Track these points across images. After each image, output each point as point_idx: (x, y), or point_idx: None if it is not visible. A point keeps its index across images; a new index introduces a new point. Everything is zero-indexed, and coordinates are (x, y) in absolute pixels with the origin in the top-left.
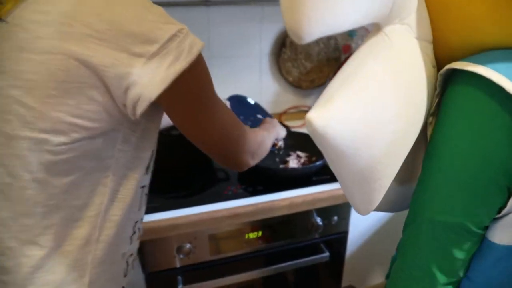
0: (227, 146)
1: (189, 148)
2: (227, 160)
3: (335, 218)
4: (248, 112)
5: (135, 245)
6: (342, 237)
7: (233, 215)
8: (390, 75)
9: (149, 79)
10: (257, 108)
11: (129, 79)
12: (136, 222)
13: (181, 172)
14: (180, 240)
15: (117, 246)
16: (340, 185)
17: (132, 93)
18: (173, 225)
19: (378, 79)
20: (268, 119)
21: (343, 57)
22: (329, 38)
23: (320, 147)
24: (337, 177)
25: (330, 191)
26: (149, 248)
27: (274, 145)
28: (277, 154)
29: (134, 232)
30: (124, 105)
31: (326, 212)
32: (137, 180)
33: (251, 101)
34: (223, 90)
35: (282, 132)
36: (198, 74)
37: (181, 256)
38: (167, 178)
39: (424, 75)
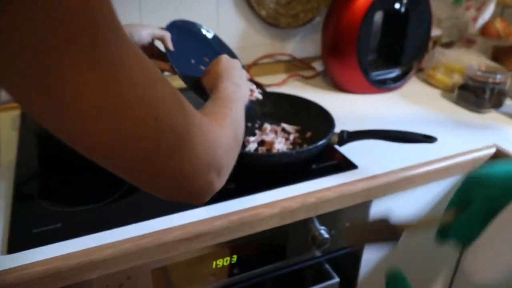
0: (158, 158)
1: None
2: (165, 188)
3: (347, 225)
4: (203, 52)
5: None
6: (355, 251)
7: (192, 236)
8: None
9: None
10: (218, 45)
11: None
12: None
13: (94, 166)
14: (104, 283)
15: None
16: None
17: None
18: (90, 263)
19: None
20: (223, 60)
21: None
22: None
23: None
24: None
25: (340, 187)
26: None
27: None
28: (249, 128)
29: None
30: None
31: (333, 218)
32: None
33: (208, 32)
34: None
35: (246, 90)
36: None
37: None
38: (72, 177)
39: None
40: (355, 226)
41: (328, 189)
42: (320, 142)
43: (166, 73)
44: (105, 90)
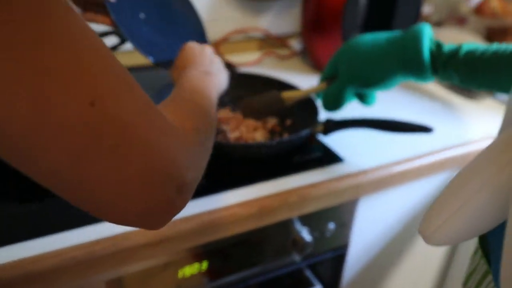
0: (94, 163)
1: None
2: (106, 207)
3: (331, 226)
4: (157, 5)
5: None
6: (338, 255)
7: (155, 241)
8: None
9: None
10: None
11: None
12: None
13: None
14: None
15: None
16: None
17: None
18: (26, 275)
19: None
20: (187, 48)
21: None
22: None
23: None
24: None
25: (326, 184)
26: None
27: None
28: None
29: None
30: None
31: (316, 218)
32: None
33: None
34: None
35: (223, 78)
36: None
37: None
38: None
39: None
40: (249, 101)
41: (312, 185)
42: (304, 132)
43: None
44: (17, 55)
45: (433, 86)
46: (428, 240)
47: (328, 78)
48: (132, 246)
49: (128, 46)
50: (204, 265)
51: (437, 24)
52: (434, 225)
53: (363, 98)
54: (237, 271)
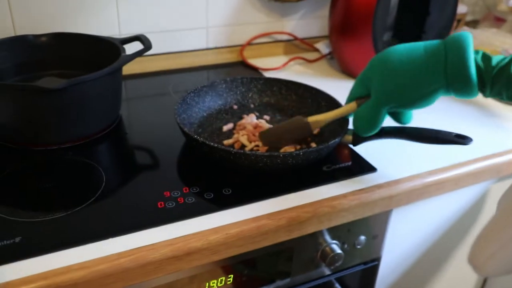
0: None
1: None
2: None
3: (362, 238)
4: None
5: None
6: (370, 269)
7: (182, 253)
8: None
9: None
10: None
11: None
12: None
13: (62, 163)
14: None
15: None
16: None
17: None
18: (54, 286)
19: None
20: None
21: None
22: None
23: None
24: None
25: (357, 194)
26: None
27: None
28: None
29: None
30: None
31: (347, 230)
32: None
33: None
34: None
35: None
36: None
37: None
38: (33, 178)
39: None
40: (272, 130)
41: (344, 196)
42: (332, 141)
43: None
44: None
45: None
46: (479, 271)
47: (358, 98)
48: (158, 259)
49: (151, 51)
50: (231, 277)
51: (473, 24)
52: (483, 257)
53: (397, 116)
54: (265, 284)
